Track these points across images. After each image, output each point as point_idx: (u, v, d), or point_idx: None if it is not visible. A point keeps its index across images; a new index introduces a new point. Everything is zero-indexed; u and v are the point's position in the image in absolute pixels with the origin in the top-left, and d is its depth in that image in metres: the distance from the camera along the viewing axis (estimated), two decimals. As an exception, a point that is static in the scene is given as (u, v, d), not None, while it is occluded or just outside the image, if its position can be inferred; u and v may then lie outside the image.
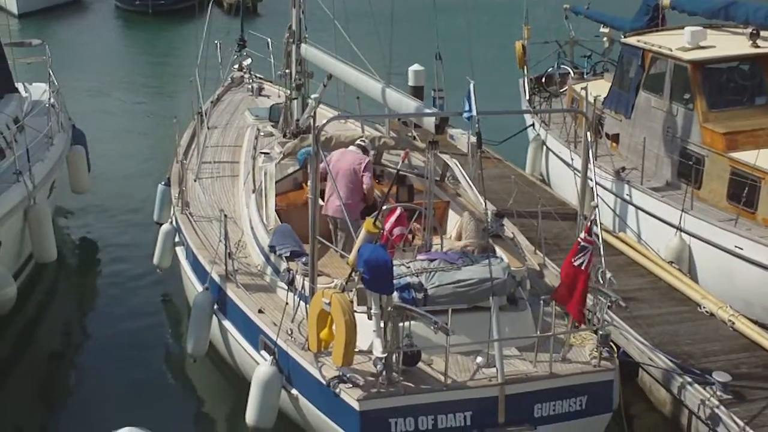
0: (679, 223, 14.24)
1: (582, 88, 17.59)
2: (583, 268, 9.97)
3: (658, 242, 14.82)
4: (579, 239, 10.04)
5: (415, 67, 22.72)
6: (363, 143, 13.09)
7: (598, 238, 10.38)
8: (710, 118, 14.75)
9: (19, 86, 18.21)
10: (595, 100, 17.07)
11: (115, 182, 20.99)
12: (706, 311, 13.16)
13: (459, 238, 11.96)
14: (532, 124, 20.40)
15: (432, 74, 17.46)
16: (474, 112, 9.82)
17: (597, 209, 10.63)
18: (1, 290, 13.73)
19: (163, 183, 16.43)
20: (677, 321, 13.03)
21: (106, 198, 19.94)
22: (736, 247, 13.25)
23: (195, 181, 15.11)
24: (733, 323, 12.73)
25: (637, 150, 16.07)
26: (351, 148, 13.00)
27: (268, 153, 14.50)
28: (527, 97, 21.00)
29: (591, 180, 11.07)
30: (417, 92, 21.53)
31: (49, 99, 17.64)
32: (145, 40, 42.09)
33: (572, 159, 16.89)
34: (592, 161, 11.06)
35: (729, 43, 15.80)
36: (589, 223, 10.10)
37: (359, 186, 12.50)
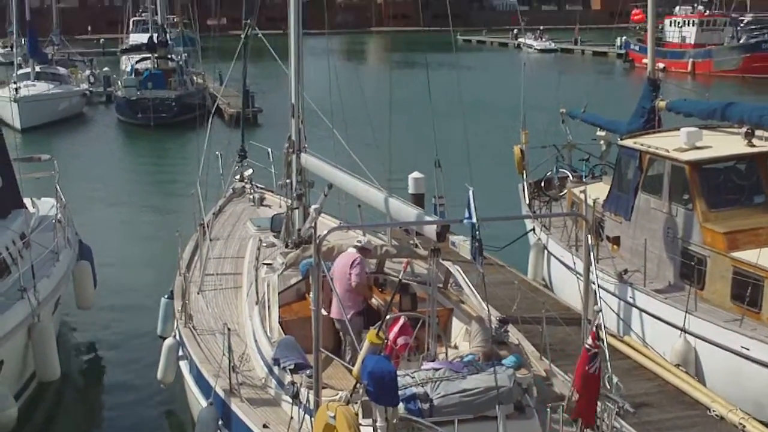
0: (684, 324, 14.17)
1: (581, 191, 17.75)
2: (596, 374, 9.86)
3: (663, 345, 14.71)
4: (586, 345, 9.95)
5: (415, 174, 22.83)
6: (360, 243, 13.14)
7: (603, 343, 10.31)
8: (710, 218, 14.82)
9: (27, 201, 18.34)
10: (594, 203, 17.16)
11: (119, 296, 21.00)
12: (716, 414, 12.96)
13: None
14: (533, 229, 20.46)
15: (433, 181, 17.61)
16: (474, 219, 9.87)
17: (600, 313, 10.59)
18: (1, 411, 13.52)
19: (166, 296, 16.39)
20: (687, 425, 12.84)
21: (110, 312, 19.92)
22: (742, 347, 13.17)
23: (198, 293, 15.10)
24: (744, 426, 12.52)
25: (638, 252, 16.08)
26: (349, 249, 13.06)
27: (270, 264, 14.52)
28: (527, 202, 21.13)
29: (593, 283, 11.06)
30: (418, 200, 21.64)
31: (56, 214, 17.76)
32: (147, 152, 42.67)
33: (574, 263, 16.88)
34: (593, 264, 11.05)
35: (725, 143, 15.97)
36: (594, 329, 10.05)
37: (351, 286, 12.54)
